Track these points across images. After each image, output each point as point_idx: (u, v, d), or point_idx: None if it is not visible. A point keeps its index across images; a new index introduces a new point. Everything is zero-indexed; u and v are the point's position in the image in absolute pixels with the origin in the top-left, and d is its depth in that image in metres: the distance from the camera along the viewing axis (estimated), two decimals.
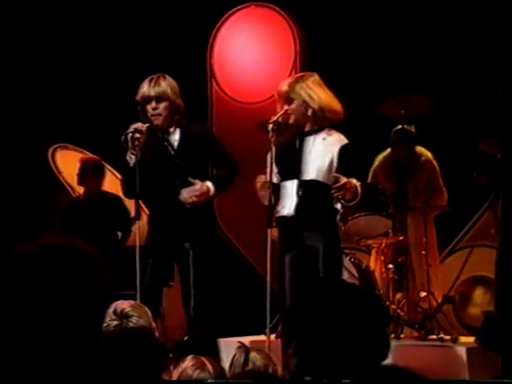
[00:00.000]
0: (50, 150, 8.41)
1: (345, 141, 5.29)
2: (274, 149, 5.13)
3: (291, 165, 5.25)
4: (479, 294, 6.76)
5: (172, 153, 5.30)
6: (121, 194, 5.91)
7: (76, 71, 8.19)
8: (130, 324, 3.05)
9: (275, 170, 5.26)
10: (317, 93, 5.26)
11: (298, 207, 5.20)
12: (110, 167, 8.00)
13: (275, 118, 5.18)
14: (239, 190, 5.82)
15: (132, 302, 3.30)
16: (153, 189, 5.24)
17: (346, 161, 5.21)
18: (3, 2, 8.02)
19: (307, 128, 5.30)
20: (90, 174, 7.55)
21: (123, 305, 3.11)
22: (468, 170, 6.59)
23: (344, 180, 5.01)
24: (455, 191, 6.90)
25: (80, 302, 1.61)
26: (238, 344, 3.03)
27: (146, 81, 5.30)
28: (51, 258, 1.62)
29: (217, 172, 5.52)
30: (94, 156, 7.79)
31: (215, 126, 8.00)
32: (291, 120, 5.26)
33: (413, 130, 6.82)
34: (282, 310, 5.21)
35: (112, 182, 7.92)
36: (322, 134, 5.29)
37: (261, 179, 5.19)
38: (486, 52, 6.69)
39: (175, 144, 5.30)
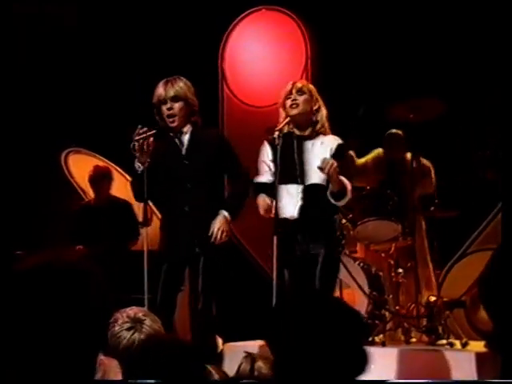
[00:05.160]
0: (63, 155, 8.47)
1: (340, 140, 5.36)
2: (279, 155, 5.16)
3: (292, 169, 5.29)
4: None
5: (183, 153, 5.28)
6: (131, 199, 5.95)
7: (88, 75, 8.24)
8: (145, 327, 3.14)
9: (272, 169, 5.31)
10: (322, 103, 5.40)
11: (301, 211, 5.24)
12: (120, 170, 8.04)
13: (280, 126, 5.22)
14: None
15: (142, 308, 3.42)
16: (163, 191, 5.23)
17: (342, 157, 5.27)
18: (7, 2, 8.08)
19: (307, 133, 5.36)
20: (99, 182, 7.61)
21: (135, 310, 3.23)
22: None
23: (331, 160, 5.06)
24: (466, 194, 6.91)
25: (77, 320, 1.61)
26: (243, 351, 3.05)
27: (162, 83, 5.27)
28: (49, 278, 1.62)
29: (230, 186, 5.47)
30: (100, 164, 7.85)
31: (226, 129, 8.03)
32: (298, 110, 5.29)
33: (402, 134, 6.90)
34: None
35: (122, 185, 7.97)
36: (320, 139, 5.34)
37: (264, 202, 5.22)
38: (495, 55, 6.71)
39: (186, 144, 5.28)
